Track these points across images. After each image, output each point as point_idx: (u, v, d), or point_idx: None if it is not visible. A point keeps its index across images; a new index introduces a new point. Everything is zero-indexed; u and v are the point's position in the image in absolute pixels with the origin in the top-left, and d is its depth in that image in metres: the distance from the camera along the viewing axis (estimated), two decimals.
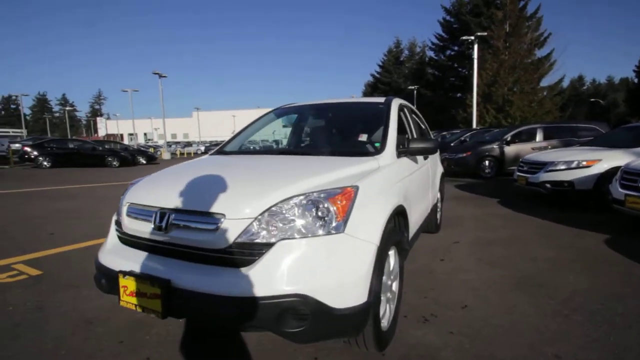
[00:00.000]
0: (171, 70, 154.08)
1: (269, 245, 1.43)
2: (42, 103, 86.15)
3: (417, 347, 1.92)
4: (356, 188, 1.66)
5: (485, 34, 20.84)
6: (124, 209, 1.81)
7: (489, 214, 5.34)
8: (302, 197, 1.53)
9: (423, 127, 4.06)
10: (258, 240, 1.44)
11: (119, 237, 1.87)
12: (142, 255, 1.67)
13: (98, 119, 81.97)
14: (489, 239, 3.99)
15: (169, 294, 1.46)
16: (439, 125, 28.24)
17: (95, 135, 72.98)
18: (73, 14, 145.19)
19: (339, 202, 1.56)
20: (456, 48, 32.87)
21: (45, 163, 16.12)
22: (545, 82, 25.22)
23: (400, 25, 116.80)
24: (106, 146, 19.53)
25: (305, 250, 1.45)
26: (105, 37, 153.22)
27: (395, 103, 2.83)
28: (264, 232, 1.45)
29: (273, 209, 1.49)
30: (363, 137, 2.51)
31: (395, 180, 2.08)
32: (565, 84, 26.33)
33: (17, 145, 19.30)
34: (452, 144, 12.78)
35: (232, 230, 1.46)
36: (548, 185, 5.63)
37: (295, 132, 3.14)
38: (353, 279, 1.48)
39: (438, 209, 4.24)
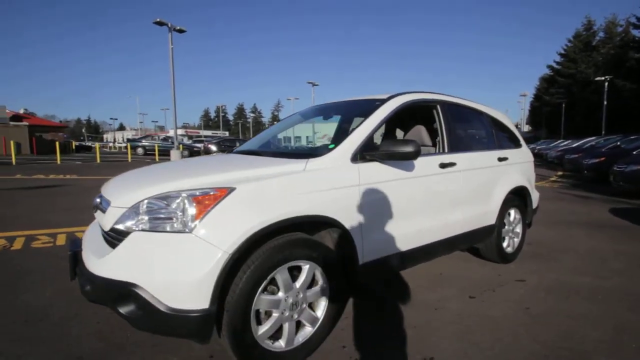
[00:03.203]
0: (330, 72, 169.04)
1: (126, 234, 1.55)
2: (240, 111, 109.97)
3: None
4: (230, 190, 1.57)
5: None
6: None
7: (623, 252, 3.75)
8: (168, 194, 1.56)
9: (486, 130, 3.23)
10: (123, 228, 1.57)
11: None
12: (93, 228, 2.06)
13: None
14: (577, 285, 2.84)
15: (75, 261, 1.77)
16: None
17: None
18: (258, 43, 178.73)
19: (203, 202, 1.53)
20: None
21: None
22: None
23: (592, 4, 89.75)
24: None
25: (150, 244, 1.50)
26: (288, 61, 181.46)
27: (397, 101, 2.41)
28: (129, 222, 1.57)
29: (144, 201, 1.58)
30: (324, 138, 2.26)
31: (322, 188, 1.81)
32: None
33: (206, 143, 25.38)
34: (634, 152, 9.35)
35: (113, 216, 1.64)
36: None
37: (290, 132, 3.07)
38: (189, 281, 1.43)
39: (507, 234, 3.30)
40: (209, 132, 73.77)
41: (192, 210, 1.51)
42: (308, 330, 1.81)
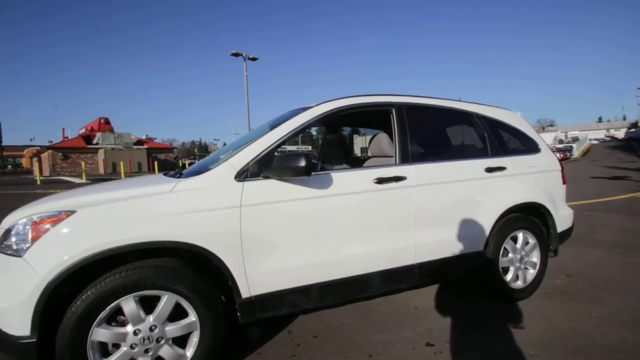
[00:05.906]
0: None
1: None
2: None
3: None
4: (70, 213, 1.53)
5: None
6: None
7: None
8: (26, 217, 1.59)
9: (473, 134, 2.64)
10: None
11: None
12: None
13: None
14: (598, 341, 2.06)
15: None
16: None
17: None
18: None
19: (42, 226, 1.53)
20: None
21: None
22: None
23: None
24: None
25: None
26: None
27: (324, 107, 2.11)
28: (4, 243, 1.63)
29: (15, 224, 1.62)
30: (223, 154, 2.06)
31: (186, 210, 1.64)
32: None
33: None
34: None
35: None
36: None
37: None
38: (11, 306, 1.45)
39: (513, 264, 2.60)
40: (293, 147, 77.60)
41: (30, 234, 1.52)
42: None
